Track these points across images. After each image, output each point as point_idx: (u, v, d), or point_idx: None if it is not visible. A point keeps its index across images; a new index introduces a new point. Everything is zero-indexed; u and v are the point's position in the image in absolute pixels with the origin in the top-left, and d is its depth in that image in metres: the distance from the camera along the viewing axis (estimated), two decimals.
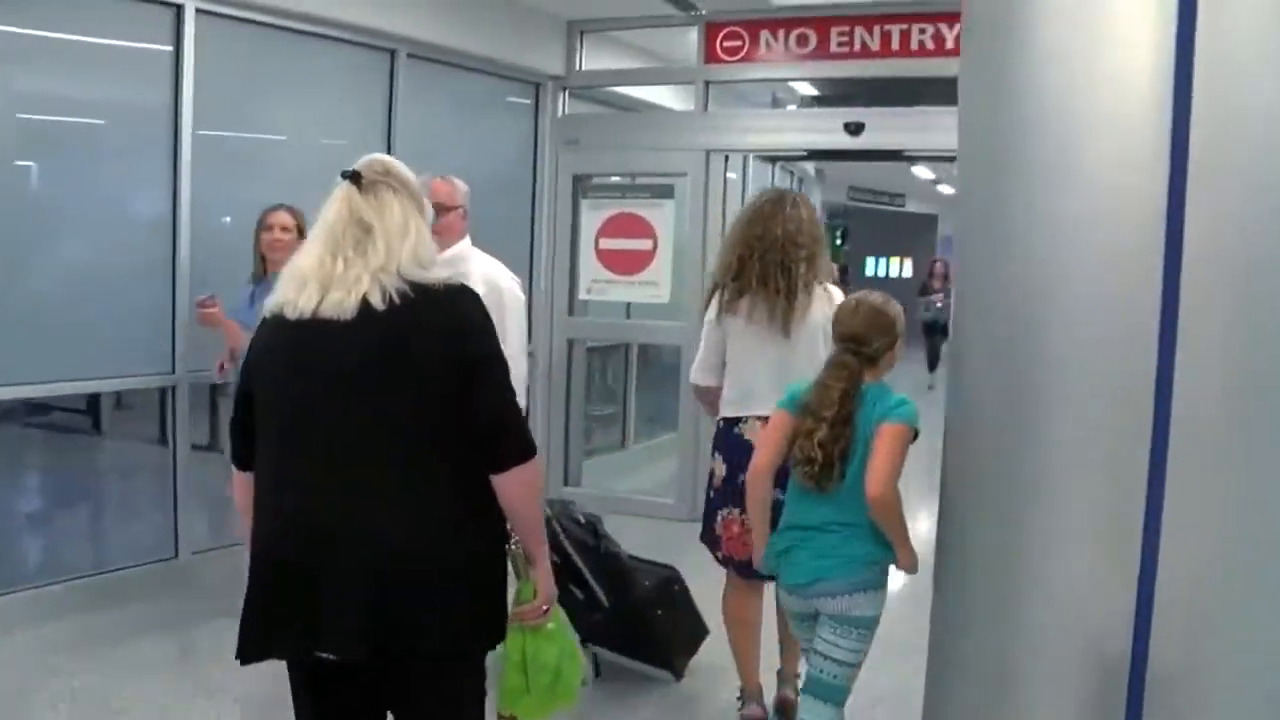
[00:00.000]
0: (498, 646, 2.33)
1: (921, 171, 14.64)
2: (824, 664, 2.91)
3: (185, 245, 4.99)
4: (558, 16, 6.94)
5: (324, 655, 2.14)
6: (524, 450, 2.21)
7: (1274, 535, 1.76)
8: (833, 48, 6.47)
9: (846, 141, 6.51)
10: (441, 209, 3.30)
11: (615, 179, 7.15)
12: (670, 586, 4.26)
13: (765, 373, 3.53)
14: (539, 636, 2.49)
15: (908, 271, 20.81)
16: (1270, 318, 1.73)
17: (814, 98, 7.67)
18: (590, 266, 7.01)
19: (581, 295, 7.10)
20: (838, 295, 3.55)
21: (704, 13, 6.67)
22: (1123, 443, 1.80)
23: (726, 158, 6.85)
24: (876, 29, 6.34)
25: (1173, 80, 1.72)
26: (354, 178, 2.26)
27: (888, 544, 2.85)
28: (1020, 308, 1.93)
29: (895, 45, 6.31)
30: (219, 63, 5.09)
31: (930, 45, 6.24)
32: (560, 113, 7.14)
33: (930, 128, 6.32)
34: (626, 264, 6.90)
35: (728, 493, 3.62)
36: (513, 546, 2.37)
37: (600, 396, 8.36)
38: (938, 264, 14.18)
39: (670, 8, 6.56)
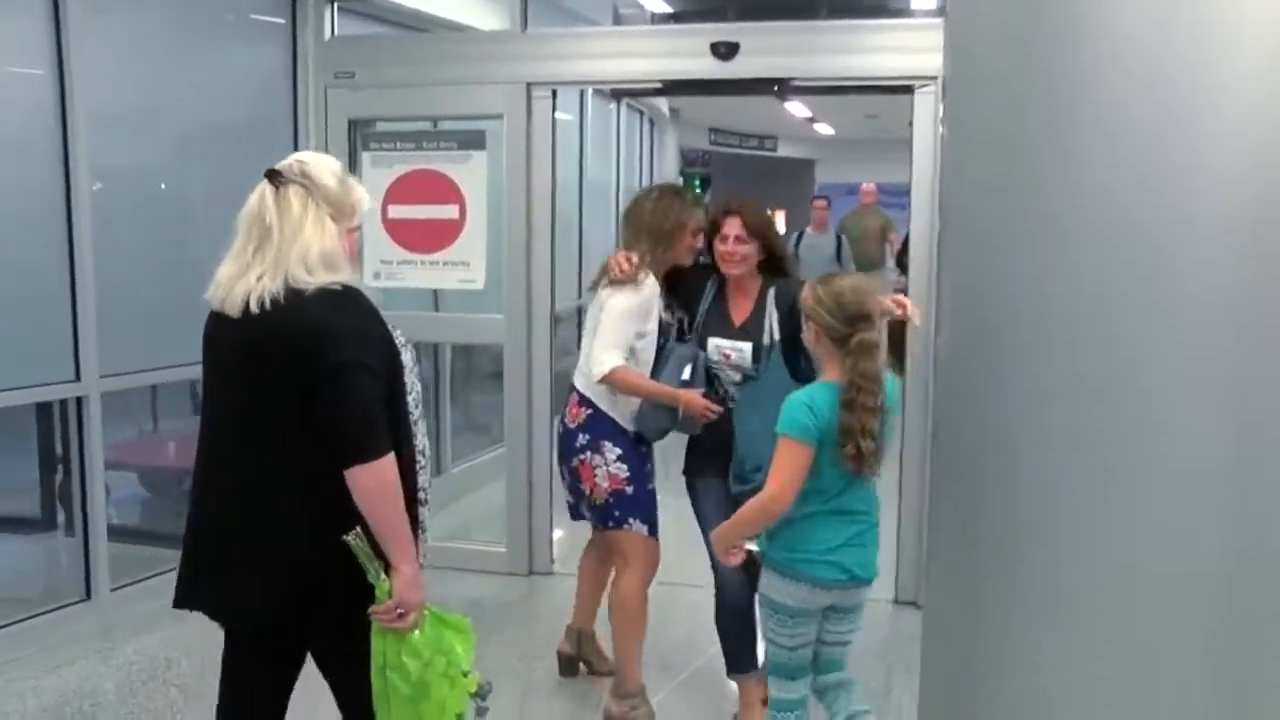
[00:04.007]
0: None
1: (796, 109, 13.19)
2: (844, 653, 3.03)
3: None
4: None
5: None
6: (363, 450, 2.27)
7: None
8: None
9: (714, 69, 4.90)
10: None
11: (407, 125, 5.39)
12: None
13: None
14: (401, 644, 2.39)
15: (780, 226, 19.35)
16: None
17: (669, 15, 6.05)
18: (378, 243, 5.22)
19: (368, 281, 5.28)
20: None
21: None
22: None
23: (554, 92, 5.16)
24: None
25: None
26: (271, 175, 2.38)
27: None
28: None
29: None
30: None
31: None
32: (328, 34, 5.32)
33: (820, 49, 4.92)
34: (426, 238, 5.18)
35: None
36: (351, 539, 2.31)
37: None
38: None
39: None
